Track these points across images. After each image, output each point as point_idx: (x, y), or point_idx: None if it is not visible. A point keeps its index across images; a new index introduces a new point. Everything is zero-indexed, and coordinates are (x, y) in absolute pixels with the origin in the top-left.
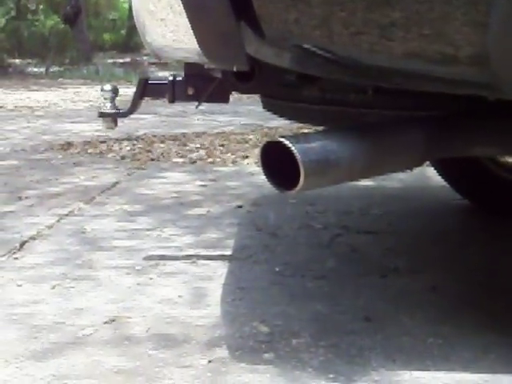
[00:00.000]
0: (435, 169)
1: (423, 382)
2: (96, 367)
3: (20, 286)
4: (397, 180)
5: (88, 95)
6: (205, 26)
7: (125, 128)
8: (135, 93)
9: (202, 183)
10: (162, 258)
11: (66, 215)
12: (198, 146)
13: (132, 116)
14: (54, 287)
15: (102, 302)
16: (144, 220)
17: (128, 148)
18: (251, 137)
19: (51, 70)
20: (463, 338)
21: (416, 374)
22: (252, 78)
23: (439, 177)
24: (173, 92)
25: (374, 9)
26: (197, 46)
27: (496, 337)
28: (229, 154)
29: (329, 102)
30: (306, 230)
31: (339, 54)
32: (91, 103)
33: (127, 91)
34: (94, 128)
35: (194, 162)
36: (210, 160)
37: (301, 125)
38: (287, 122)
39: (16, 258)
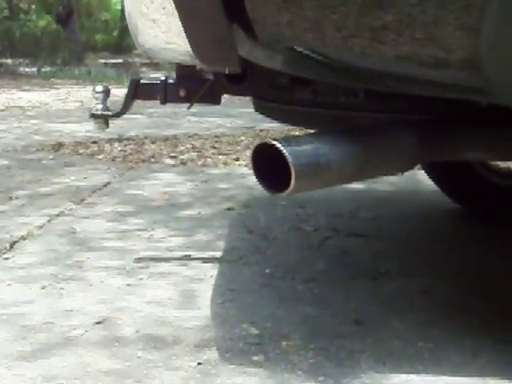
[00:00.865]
0: (426, 172)
1: None
2: (85, 368)
3: (10, 285)
4: (387, 183)
5: (80, 96)
6: (197, 27)
7: (116, 129)
8: (127, 94)
9: (193, 185)
10: (153, 259)
11: (57, 215)
12: (189, 147)
13: (123, 116)
14: (43, 287)
15: (91, 303)
16: (135, 221)
17: (119, 149)
18: (242, 138)
19: (43, 70)
20: (453, 342)
21: (406, 377)
22: (244, 80)
23: (430, 180)
24: (164, 93)
25: (366, 12)
26: (189, 47)
27: (486, 341)
28: (220, 156)
29: (320, 104)
30: (297, 233)
31: (331, 56)
32: (83, 104)
33: (119, 92)
34: (86, 128)
35: (185, 164)
36: (201, 161)
37: (292, 127)
38: (278, 124)
39: (6, 258)
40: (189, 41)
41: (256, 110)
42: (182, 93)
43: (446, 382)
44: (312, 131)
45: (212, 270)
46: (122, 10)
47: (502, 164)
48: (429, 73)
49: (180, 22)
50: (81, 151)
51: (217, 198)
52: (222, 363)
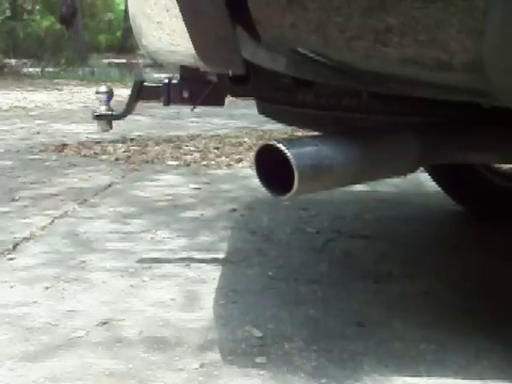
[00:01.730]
0: (429, 174)
1: None
2: (88, 369)
3: (12, 287)
4: (390, 185)
5: (83, 96)
6: (201, 29)
7: (119, 129)
8: (130, 95)
9: (196, 186)
10: (156, 260)
11: (60, 217)
12: (193, 148)
13: (127, 117)
14: (46, 289)
15: (94, 304)
16: (138, 222)
17: (122, 150)
18: (246, 140)
19: (47, 70)
20: (456, 344)
21: (408, 379)
22: (247, 81)
23: (433, 182)
24: (168, 95)
25: (369, 14)
26: (193, 49)
27: (488, 343)
28: (223, 157)
29: (324, 106)
30: (299, 234)
31: (335, 58)
32: (86, 104)
33: (122, 92)
34: (89, 129)
35: (188, 165)
36: (204, 163)
37: (295, 128)
38: (282, 125)
39: (9, 259)
40: (192, 43)
41: (259, 112)
42: (185, 94)
43: (449, 383)
44: (315, 133)
45: (215, 272)
46: (126, 11)
47: (504, 165)
48: (432, 75)
49: (184, 24)
50: (84, 152)
51: (220, 200)
52: (224, 365)
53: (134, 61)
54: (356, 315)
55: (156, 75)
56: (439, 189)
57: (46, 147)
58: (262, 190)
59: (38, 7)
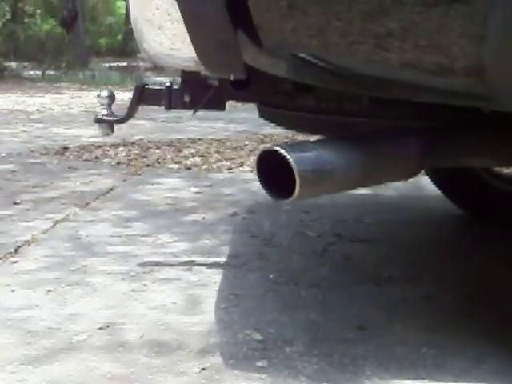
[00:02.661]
0: (430, 178)
1: None
2: (90, 373)
3: (14, 290)
4: (391, 188)
5: (84, 100)
6: (202, 34)
7: (120, 133)
8: (132, 99)
9: (197, 190)
10: (157, 264)
11: (61, 220)
12: (194, 152)
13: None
14: (48, 292)
15: (96, 308)
16: (139, 226)
17: (123, 153)
18: (246, 143)
19: (47, 73)
20: (456, 348)
21: (409, 383)
22: (249, 86)
23: (433, 186)
24: (169, 99)
25: (370, 19)
26: (194, 54)
27: (489, 347)
28: (224, 161)
29: (324, 110)
30: (300, 238)
31: (335, 63)
32: (87, 108)
33: (123, 96)
34: (90, 133)
35: (190, 169)
36: (205, 166)
37: (296, 132)
38: (282, 129)
39: (10, 263)
40: (194, 47)
41: (260, 116)
42: (186, 98)
43: None
44: (316, 137)
45: (216, 276)
46: (127, 14)
47: (504, 169)
48: (433, 80)
49: (185, 29)
50: (85, 156)
51: (221, 203)
52: (225, 369)
53: (134, 64)
54: (357, 319)
55: (157, 78)
56: (439, 192)
57: (47, 151)
58: (262, 194)
59: (38, 11)
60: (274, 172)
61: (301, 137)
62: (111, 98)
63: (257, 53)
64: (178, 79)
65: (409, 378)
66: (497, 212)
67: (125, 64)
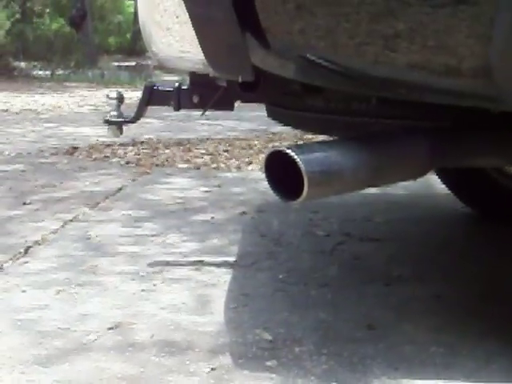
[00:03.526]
0: (438, 177)
1: None
2: (100, 373)
3: (24, 291)
4: (400, 187)
5: (93, 99)
6: (211, 36)
7: (129, 132)
8: (141, 100)
9: (207, 189)
10: (167, 264)
11: (71, 220)
12: (203, 151)
13: None
14: (58, 293)
15: (106, 308)
16: (149, 226)
17: (133, 153)
18: (255, 142)
19: (56, 73)
20: (466, 347)
21: (418, 382)
22: (257, 87)
23: (442, 184)
24: (178, 100)
25: (378, 20)
26: (202, 56)
27: (498, 347)
28: (233, 160)
29: (333, 111)
30: (310, 238)
31: (343, 64)
32: (96, 107)
33: (132, 95)
34: (99, 132)
35: (199, 168)
36: (214, 165)
37: (304, 131)
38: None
39: (20, 264)
40: (202, 50)
41: (269, 116)
42: (195, 99)
43: None
44: (325, 137)
45: (225, 275)
46: (135, 13)
47: None
48: (440, 81)
49: (193, 31)
50: (94, 155)
51: (230, 203)
52: (235, 368)
53: (143, 63)
54: (366, 318)
55: (166, 78)
56: (448, 191)
57: (56, 150)
58: (271, 193)
59: (47, 10)
60: (282, 173)
61: (309, 135)
62: (120, 99)
63: (265, 55)
64: (187, 79)
65: (418, 378)
66: (506, 211)
67: (133, 63)
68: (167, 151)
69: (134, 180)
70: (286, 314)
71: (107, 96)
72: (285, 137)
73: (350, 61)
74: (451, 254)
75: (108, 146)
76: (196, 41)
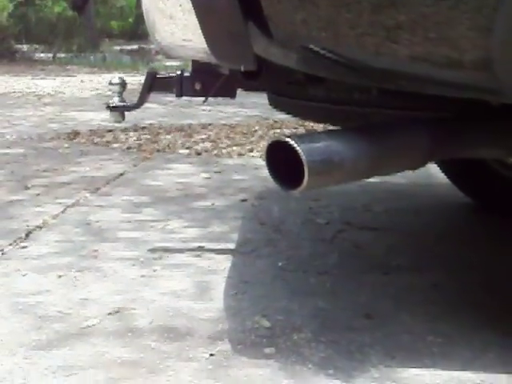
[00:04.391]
0: (439, 166)
1: (422, 380)
2: (100, 358)
3: (25, 275)
4: (400, 176)
5: (95, 83)
6: (213, 25)
7: (131, 117)
8: (143, 87)
9: (207, 175)
10: (167, 250)
11: (72, 205)
12: (204, 137)
13: None
14: (59, 277)
15: (106, 293)
16: (149, 211)
17: (134, 138)
18: (257, 128)
19: (58, 56)
20: (463, 337)
21: (415, 371)
22: (259, 75)
23: (442, 174)
24: (180, 87)
25: (379, 11)
26: (205, 44)
27: (495, 336)
28: (234, 147)
29: (334, 100)
30: (309, 225)
31: (345, 55)
32: (98, 91)
33: (134, 80)
34: (101, 117)
35: (200, 154)
36: (215, 152)
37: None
38: None
39: (21, 248)
40: (205, 38)
41: (270, 104)
42: (197, 86)
43: (455, 376)
44: (324, 126)
45: (225, 262)
46: None
47: None
48: (441, 73)
49: (196, 20)
50: (96, 140)
51: (231, 189)
52: (233, 355)
53: (145, 47)
54: (364, 307)
55: (168, 63)
56: (448, 181)
57: (58, 135)
58: (272, 181)
59: None
60: (283, 162)
61: (311, 123)
62: (123, 85)
63: (267, 44)
64: (189, 64)
65: (415, 367)
66: (507, 202)
67: (135, 47)
68: (168, 137)
69: (135, 165)
70: (284, 301)
71: (110, 82)
72: (286, 124)
73: (351, 52)
74: (450, 243)
75: (109, 131)
76: (199, 29)
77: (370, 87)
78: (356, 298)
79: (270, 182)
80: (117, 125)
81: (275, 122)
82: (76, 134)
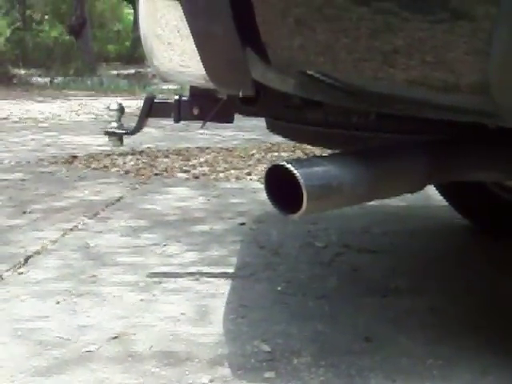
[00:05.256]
0: (436, 188)
1: None
2: None
3: (24, 301)
4: (398, 198)
5: (92, 107)
6: (212, 51)
7: (129, 141)
8: (141, 112)
9: (206, 199)
10: (166, 274)
11: (71, 230)
12: (202, 161)
13: None
14: (58, 303)
15: (105, 319)
16: (148, 236)
17: (132, 162)
18: (254, 152)
19: (56, 80)
20: (462, 360)
21: None
22: (257, 101)
23: (440, 196)
24: (178, 111)
25: (376, 36)
26: (203, 71)
27: (495, 359)
28: (232, 171)
29: (332, 124)
30: (308, 249)
31: (342, 80)
32: (95, 116)
33: (131, 103)
34: (98, 141)
35: (198, 178)
36: (213, 176)
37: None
38: None
39: (20, 273)
40: (203, 64)
41: (268, 128)
42: (195, 111)
43: None
44: (323, 150)
45: (224, 286)
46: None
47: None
48: (438, 97)
49: (194, 46)
50: (94, 165)
51: (229, 213)
52: (234, 380)
53: (142, 71)
54: (364, 330)
55: (165, 86)
56: (446, 203)
57: (56, 159)
58: (270, 204)
59: (46, 17)
60: (282, 187)
61: (308, 146)
62: (121, 110)
63: (265, 69)
64: (186, 88)
65: None
66: (503, 223)
67: (132, 71)
68: (166, 160)
69: (133, 189)
70: (284, 325)
71: (108, 108)
72: (283, 147)
73: (349, 76)
74: (448, 265)
75: (107, 155)
76: (197, 55)
77: (367, 111)
78: (355, 321)
79: (269, 206)
80: (115, 149)
81: (272, 144)
82: (74, 158)
